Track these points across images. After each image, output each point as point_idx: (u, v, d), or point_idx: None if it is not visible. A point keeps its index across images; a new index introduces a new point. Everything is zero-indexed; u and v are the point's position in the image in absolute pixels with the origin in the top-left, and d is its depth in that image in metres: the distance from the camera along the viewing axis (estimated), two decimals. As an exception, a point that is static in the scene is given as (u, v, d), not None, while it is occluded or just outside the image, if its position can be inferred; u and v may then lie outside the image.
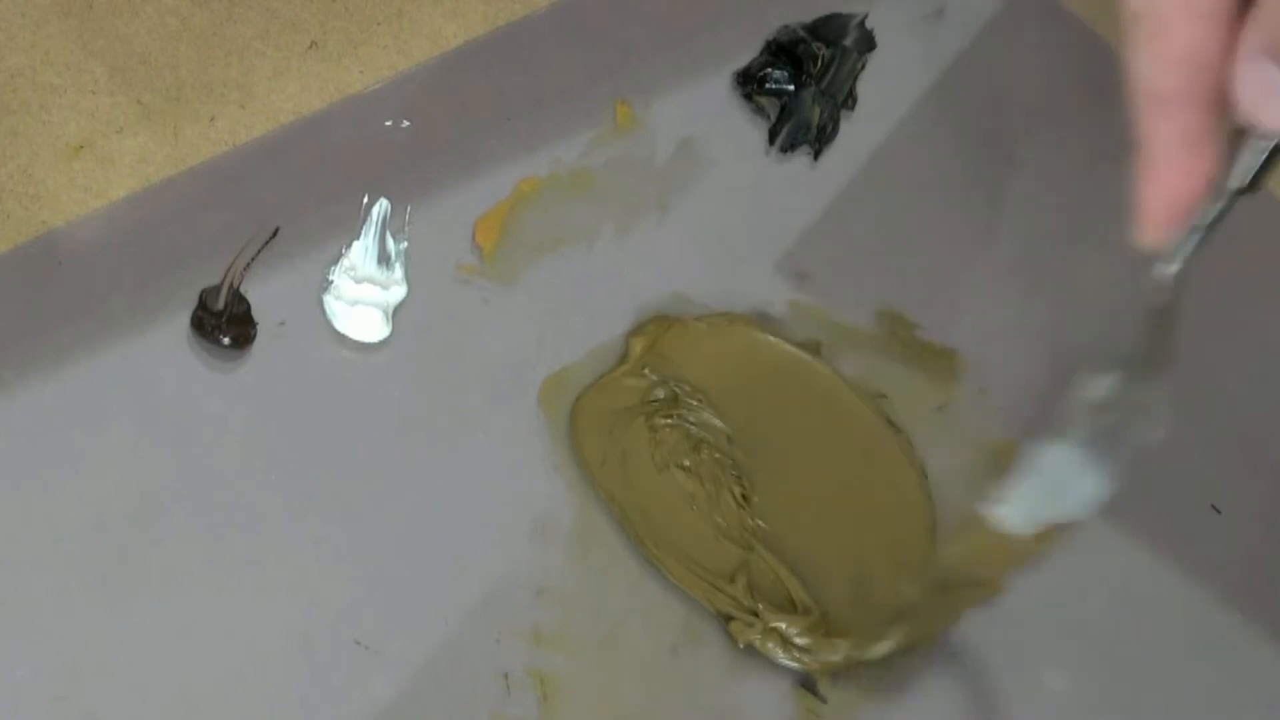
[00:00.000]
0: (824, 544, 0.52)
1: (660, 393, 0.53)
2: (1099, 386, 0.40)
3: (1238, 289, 0.62)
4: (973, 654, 0.51)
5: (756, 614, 0.49)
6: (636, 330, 0.54)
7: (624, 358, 0.53)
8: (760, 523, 0.51)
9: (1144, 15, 0.32)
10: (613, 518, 0.50)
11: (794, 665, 0.49)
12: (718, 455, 0.52)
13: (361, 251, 0.52)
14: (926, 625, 0.50)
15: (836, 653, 0.49)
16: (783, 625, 0.49)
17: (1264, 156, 0.34)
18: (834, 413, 0.55)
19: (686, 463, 0.52)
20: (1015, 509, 0.41)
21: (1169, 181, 0.34)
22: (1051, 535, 0.43)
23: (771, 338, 0.55)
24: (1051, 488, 0.41)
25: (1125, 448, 0.40)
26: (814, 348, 0.55)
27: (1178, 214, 0.35)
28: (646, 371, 0.53)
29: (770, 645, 0.49)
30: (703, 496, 0.51)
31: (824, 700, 0.49)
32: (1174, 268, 0.37)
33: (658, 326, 0.54)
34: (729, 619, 0.49)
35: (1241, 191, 0.35)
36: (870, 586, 0.52)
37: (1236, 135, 0.34)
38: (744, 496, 0.52)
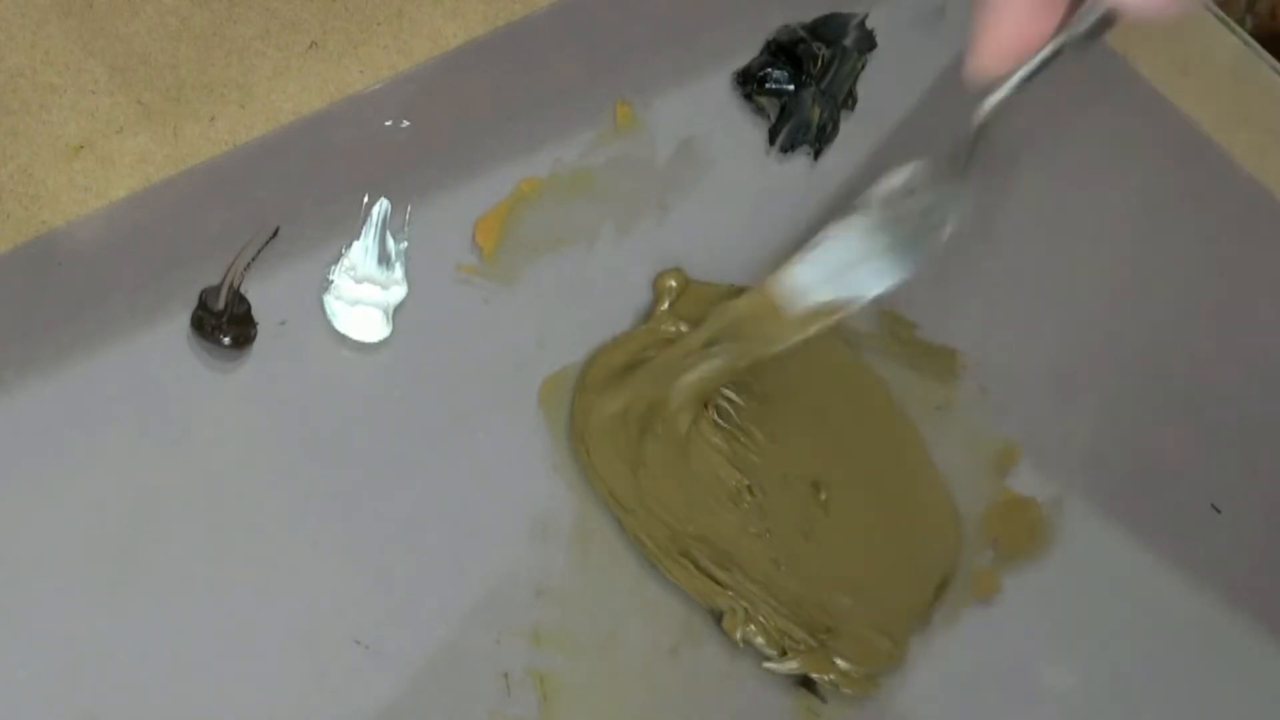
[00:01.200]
0: (834, 552, 0.52)
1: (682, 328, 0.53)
2: (899, 176, 0.43)
3: (1238, 289, 0.62)
4: (973, 654, 0.52)
5: (747, 610, 0.49)
6: (664, 274, 0.54)
7: (654, 303, 0.54)
8: (767, 526, 0.51)
9: None
10: (613, 516, 0.50)
11: (789, 669, 0.49)
12: (729, 443, 0.52)
13: (361, 251, 0.52)
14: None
15: (834, 669, 0.49)
16: (780, 629, 0.49)
17: (1101, 20, 0.38)
18: (863, 408, 0.55)
19: (697, 447, 0.52)
20: (798, 281, 0.43)
21: (1010, 33, 0.38)
22: (827, 313, 0.44)
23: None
24: (838, 267, 0.43)
25: (916, 240, 0.43)
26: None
27: (1010, 60, 0.39)
28: (682, 329, 0.53)
29: (761, 641, 0.49)
30: (710, 493, 0.51)
31: (824, 700, 0.49)
32: (998, 97, 0.41)
33: (685, 278, 0.55)
34: (720, 615, 0.49)
35: (1075, 47, 0.39)
36: (878, 598, 0.51)
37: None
38: (750, 489, 0.52)
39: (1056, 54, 0.39)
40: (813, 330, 0.46)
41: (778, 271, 0.44)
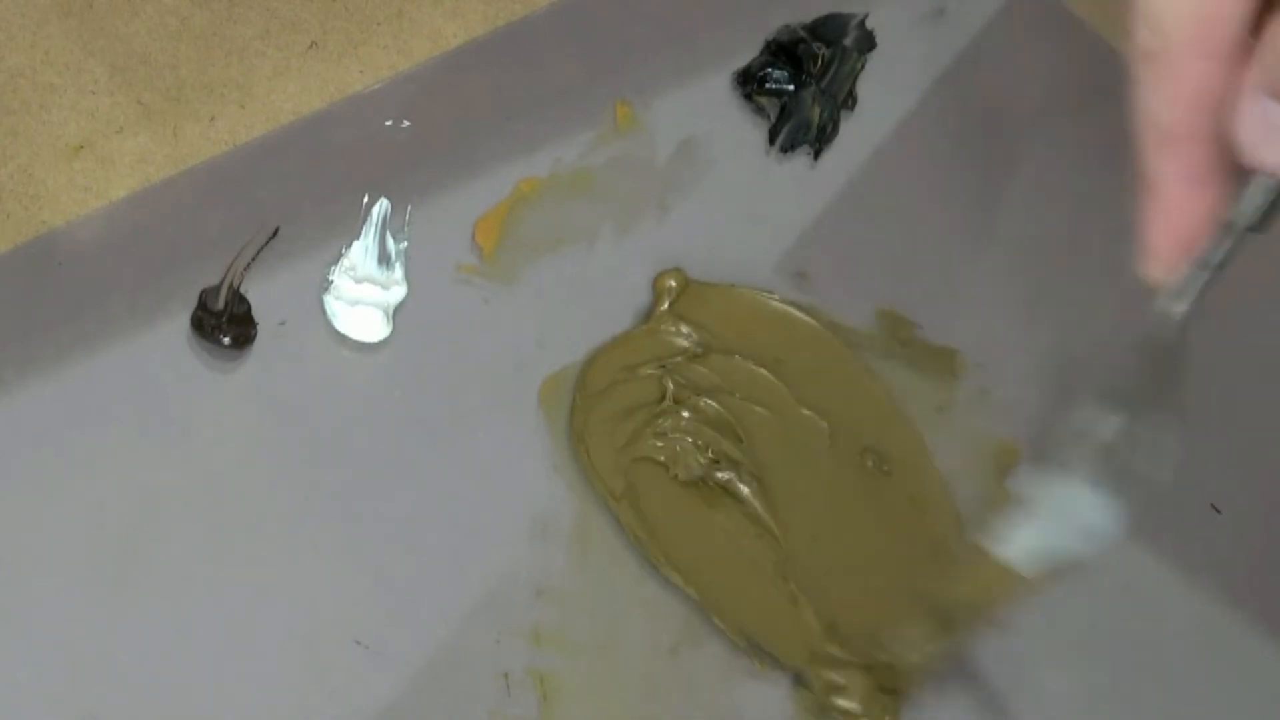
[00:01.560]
0: (834, 553, 0.52)
1: (685, 343, 0.53)
2: (1103, 426, 0.40)
3: (1238, 289, 0.62)
4: (973, 653, 0.51)
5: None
6: (664, 274, 0.54)
7: (654, 303, 0.54)
8: (772, 522, 0.51)
9: (1153, 53, 0.33)
10: (613, 516, 0.50)
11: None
12: (728, 452, 0.52)
13: (361, 251, 0.52)
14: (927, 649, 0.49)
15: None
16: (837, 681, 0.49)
17: (1272, 195, 0.34)
18: (860, 401, 0.55)
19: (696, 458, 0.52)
20: (1021, 547, 0.41)
21: (1175, 217, 0.34)
22: (1057, 573, 0.42)
23: (803, 315, 0.55)
24: (1057, 526, 0.40)
25: (1132, 486, 0.40)
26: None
27: (1183, 250, 0.35)
28: (682, 329, 0.53)
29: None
30: (710, 503, 0.51)
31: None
32: (1181, 306, 0.37)
33: (685, 278, 0.55)
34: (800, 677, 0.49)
35: (1249, 230, 0.35)
36: (886, 598, 0.51)
37: (1245, 173, 0.34)
38: (751, 492, 0.52)
39: (1234, 237, 0.35)
40: (1037, 588, 0.43)
41: (997, 539, 0.41)
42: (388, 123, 0.55)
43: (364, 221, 0.53)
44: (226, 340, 0.49)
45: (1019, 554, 0.41)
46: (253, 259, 0.51)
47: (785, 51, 0.59)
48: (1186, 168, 0.33)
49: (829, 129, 0.59)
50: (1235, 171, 0.33)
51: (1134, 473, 0.40)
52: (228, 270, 0.50)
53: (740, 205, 0.57)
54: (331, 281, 0.52)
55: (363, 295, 0.51)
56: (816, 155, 0.59)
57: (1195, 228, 0.34)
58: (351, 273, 0.52)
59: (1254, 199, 0.34)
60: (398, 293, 0.52)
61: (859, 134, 0.60)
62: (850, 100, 0.60)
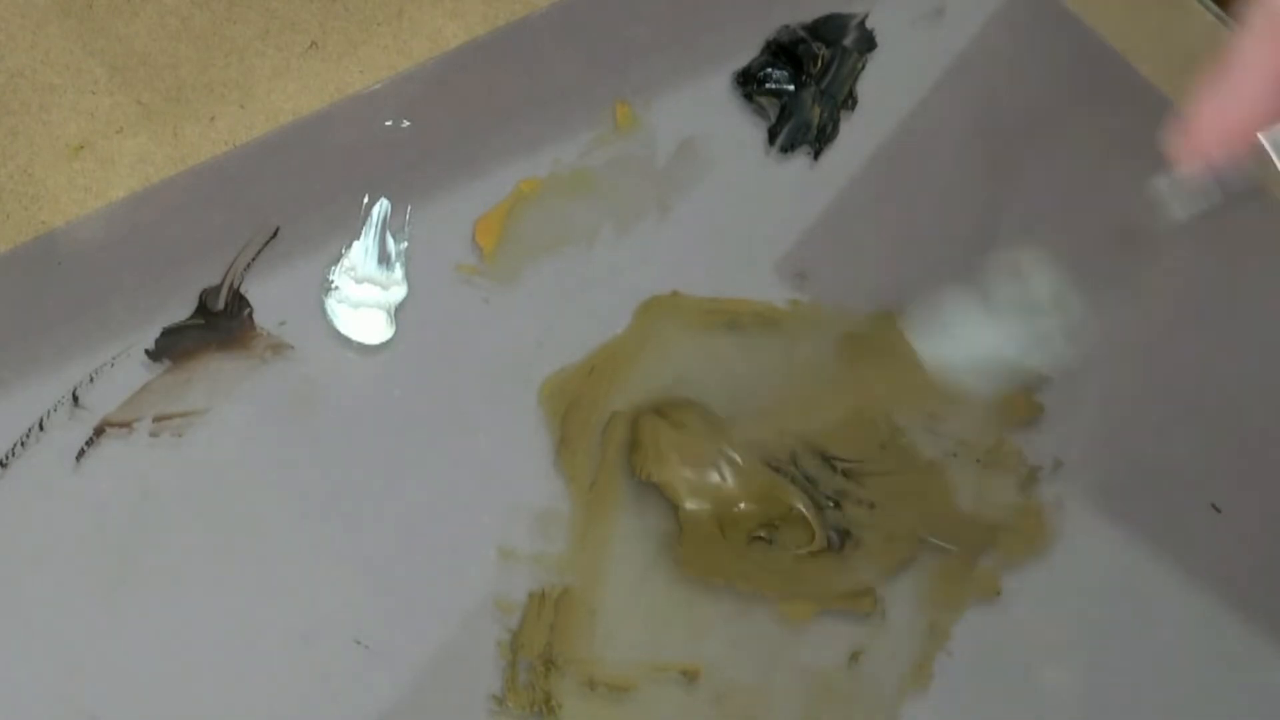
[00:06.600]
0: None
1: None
2: (1038, 280, 0.40)
3: (1238, 289, 0.62)
4: (973, 653, 0.51)
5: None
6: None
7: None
8: None
9: None
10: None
11: None
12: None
13: (361, 251, 0.52)
14: None
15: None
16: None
17: None
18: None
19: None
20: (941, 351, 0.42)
21: (1235, 106, 0.32)
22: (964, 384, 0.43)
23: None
24: (968, 340, 0.42)
25: (1032, 337, 0.40)
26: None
27: (1229, 144, 0.32)
28: None
29: None
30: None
31: None
32: (1179, 213, 0.36)
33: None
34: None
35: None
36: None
37: None
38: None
39: (1256, 174, 0.33)
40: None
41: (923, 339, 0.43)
42: (388, 123, 0.55)
43: (364, 221, 0.53)
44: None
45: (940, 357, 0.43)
46: (253, 259, 0.51)
47: (785, 51, 0.59)
48: (1273, 65, 0.31)
49: (829, 129, 0.59)
50: None
51: (1036, 326, 0.40)
52: (228, 270, 0.50)
53: (740, 205, 0.57)
54: (332, 282, 0.52)
55: (364, 296, 0.51)
56: (816, 155, 0.59)
57: (1244, 125, 0.32)
58: (352, 273, 0.52)
59: None
60: (398, 293, 0.52)
61: (859, 134, 0.60)
62: (850, 100, 0.60)
